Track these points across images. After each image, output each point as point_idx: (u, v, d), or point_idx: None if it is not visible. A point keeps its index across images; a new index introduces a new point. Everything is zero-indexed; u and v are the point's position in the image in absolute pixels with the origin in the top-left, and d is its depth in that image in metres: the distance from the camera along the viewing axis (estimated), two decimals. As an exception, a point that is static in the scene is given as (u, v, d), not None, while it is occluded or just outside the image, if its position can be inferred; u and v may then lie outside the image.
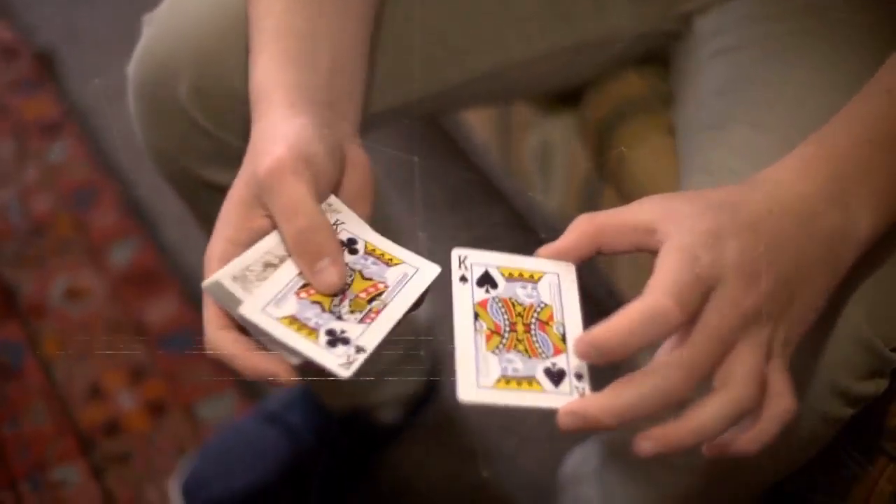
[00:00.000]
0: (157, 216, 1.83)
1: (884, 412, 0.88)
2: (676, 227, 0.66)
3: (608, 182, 1.15)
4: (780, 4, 0.98)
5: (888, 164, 0.71)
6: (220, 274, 0.69)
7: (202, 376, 1.55)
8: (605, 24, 1.07)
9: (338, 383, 1.30)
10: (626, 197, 1.08)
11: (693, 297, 0.63)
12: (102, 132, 2.01)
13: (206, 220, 1.10)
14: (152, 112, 0.99)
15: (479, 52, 1.04)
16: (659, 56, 1.14)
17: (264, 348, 0.69)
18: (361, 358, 0.68)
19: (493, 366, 0.67)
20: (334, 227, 0.73)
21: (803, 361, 0.78)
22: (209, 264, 0.71)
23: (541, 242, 0.71)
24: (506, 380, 0.67)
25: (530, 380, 0.67)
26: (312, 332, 0.68)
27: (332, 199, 0.75)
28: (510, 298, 0.70)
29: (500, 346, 0.68)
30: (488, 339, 0.68)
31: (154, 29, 0.98)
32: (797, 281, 0.67)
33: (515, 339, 0.69)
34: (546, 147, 1.28)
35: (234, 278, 0.69)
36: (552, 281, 0.71)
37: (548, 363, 0.68)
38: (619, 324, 0.63)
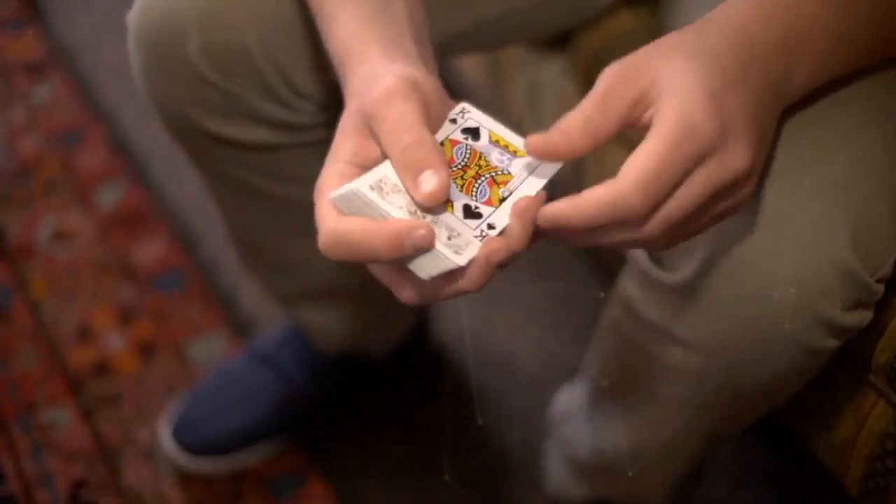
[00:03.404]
0: (144, 156, 1.82)
1: (871, 347, 0.89)
2: (670, 89, 0.67)
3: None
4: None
5: (829, 20, 0.73)
6: (356, 182, 0.67)
7: (193, 315, 1.56)
8: None
9: (328, 324, 1.31)
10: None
11: (667, 184, 0.65)
12: (88, 72, 2.00)
13: (209, 171, 1.10)
14: (156, 65, 0.97)
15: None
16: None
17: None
18: (493, 234, 0.66)
19: None
20: (461, 114, 0.72)
21: (786, 290, 0.78)
22: (327, 182, 0.69)
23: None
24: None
25: (445, 203, 0.67)
26: (448, 203, 0.68)
27: (466, 104, 0.74)
28: (481, 153, 0.70)
29: None
30: None
31: None
32: (762, 130, 0.70)
33: (459, 175, 0.69)
34: (537, 86, 1.27)
35: (371, 187, 0.67)
36: (531, 162, 0.70)
37: (472, 202, 0.68)
38: (583, 208, 0.65)
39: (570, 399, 1.21)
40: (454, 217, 0.67)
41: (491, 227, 0.67)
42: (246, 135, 1.00)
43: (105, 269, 1.64)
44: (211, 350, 1.53)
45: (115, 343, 1.53)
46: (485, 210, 0.68)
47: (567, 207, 0.65)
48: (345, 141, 0.70)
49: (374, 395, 1.46)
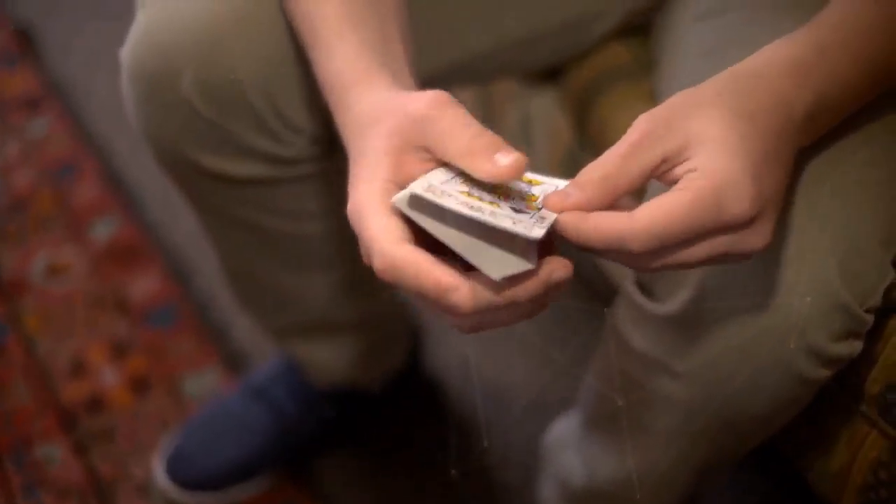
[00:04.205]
0: (138, 191, 1.82)
1: (863, 377, 0.89)
2: (709, 156, 0.66)
3: (590, 152, 1.14)
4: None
5: (857, 85, 0.74)
6: (412, 186, 0.67)
7: (186, 350, 1.56)
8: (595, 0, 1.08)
9: (322, 358, 1.31)
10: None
11: (675, 244, 0.65)
12: (82, 106, 2.01)
13: (201, 205, 1.10)
14: (150, 100, 0.97)
15: (476, 31, 1.03)
16: (641, 25, 1.14)
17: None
18: (546, 223, 0.66)
19: (462, 185, 0.68)
20: None
21: (776, 321, 0.78)
22: (370, 200, 0.68)
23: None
24: (468, 194, 0.67)
25: (493, 202, 0.67)
26: (494, 203, 0.67)
27: None
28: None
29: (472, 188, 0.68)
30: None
31: (150, 14, 0.96)
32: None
33: (492, 189, 0.69)
34: (529, 119, 1.27)
35: (426, 189, 0.67)
36: (548, 189, 0.70)
37: (516, 205, 0.68)
38: (593, 229, 0.65)
39: (564, 429, 1.20)
40: (509, 210, 0.67)
41: (542, 218, 0.67)
42: (238, 169, 1.00)
43: (99, 304, 1.64)
44: (205, 385, 1.53)
45: (109, 378, 1.53)
46: (529, 210, 0.68)
47: (585, 223, 0.66)
48: (380, 162, 0.69)
49: (368, 427, 1.45)
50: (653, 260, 0.67)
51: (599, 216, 0.65)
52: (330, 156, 1.03)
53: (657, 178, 0.68)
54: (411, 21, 0.85)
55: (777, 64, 0.71)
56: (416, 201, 0.67)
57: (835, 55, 0.73)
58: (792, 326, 0.78)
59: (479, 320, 0.67)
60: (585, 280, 1.45)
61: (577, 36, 1.11)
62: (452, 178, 0.69)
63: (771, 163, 0.67)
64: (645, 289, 0.88)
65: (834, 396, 0.91)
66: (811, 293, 0.77)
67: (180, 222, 1.68)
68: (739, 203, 0.64)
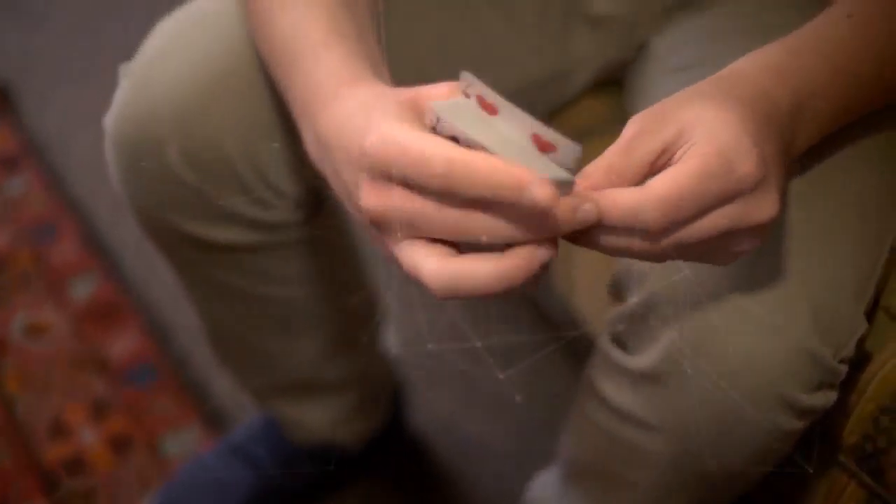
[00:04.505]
0: (117, 249, 1.82)
1: (840, 427, 0.89)
2: (708, 130, 0.66)
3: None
4: (737, 20, 1.00)
5: (836, 92, 0.74)
6: (450, 100, 0.66)
7: (166, 409, 1.55)
8: (570, 55, 1.09)
9: (304, 417, 1.31)
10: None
11: (689, 212, 0.64)
12: (61, 164, 2.01)
13: (184, 270, 1.10)
14: (135, 168, 0.97)
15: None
16: (617, 80, 1.15)
17: None
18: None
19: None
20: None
21: (749, 373, 0.79)
22: (400, 123, 0.64)
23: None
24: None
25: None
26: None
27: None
28: None
29: None
30: None
31: (134, 85, 0.96)
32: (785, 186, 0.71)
33: None
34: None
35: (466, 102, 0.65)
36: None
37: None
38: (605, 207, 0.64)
39: (545, 484, 1.20)
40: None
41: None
42: (222, 235, 1.00)
43: (78, 364, 1.63)
44: (185, 443, 1.52)
45: (89, 438, 1.52)
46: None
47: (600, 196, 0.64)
48: (400, 100, 0.68)
49: (349, 486, 1.45)
50: (665, 236, 0.65)
51: (613, 191, 0.65)
52: (313, 220, 1.04)
53: (659, 169, 0.67)
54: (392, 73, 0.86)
55: (755, 66, 0.73)
56: (455, 111, 0.65)
57: (809, 60, 0.74)
58: (766, 378, 0.79)
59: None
60: (562, 334, 1.45)
61: (551, 91, 1.12)
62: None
63: (765, 136, 0.68)
64: (620, 343, 0.88)
65: (811, 447, 0.91)
66: (785, 345, 0.78)
67: (159, 279, 1.68)
68: (745, 163, 0.65)
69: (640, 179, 0.67)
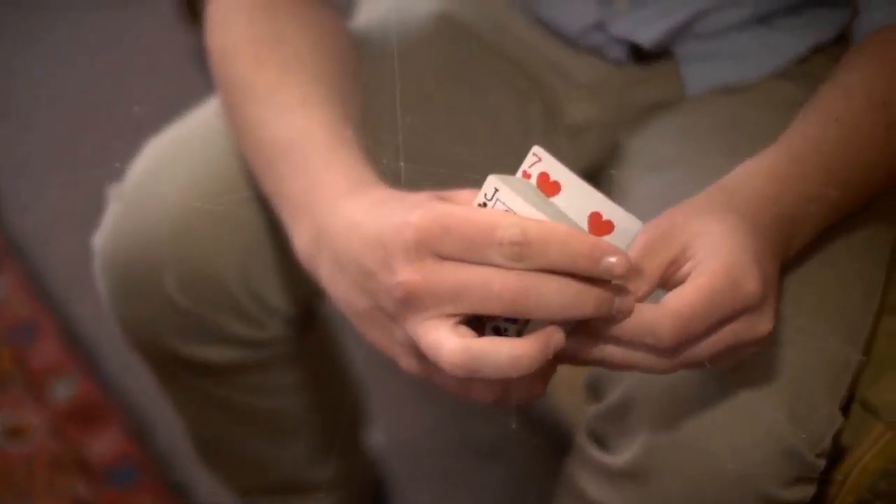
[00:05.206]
0: (97, 349, 1.82)
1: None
2: (715, 246, 0.68)
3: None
4: (710, 118, 1.02)
5: (829, 195, 0.77)
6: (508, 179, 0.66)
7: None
8: None
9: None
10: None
11: (701, 327, 0.66)
12: (41, 265, 2.01)
13: (172, 387, 1.10)
14: (127, 291, 0.98)
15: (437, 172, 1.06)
16: (592, 179, 1.16)
17: None
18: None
19: None
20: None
21: (727, 470, 0.79)
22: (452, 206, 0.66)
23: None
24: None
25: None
26: None
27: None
28: None
29: None
30: None
31: (125, 207, 0.97)
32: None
33: None
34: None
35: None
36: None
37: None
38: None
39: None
40: None
41: None
42: (214, 355, 1.00)
43: (58, 465, 1.62)
44: (167, 544, 1.51)
45: (70, 540, 1.51)
46: None
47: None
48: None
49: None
50: (675, 354, 0.67)
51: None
52: (304, 335, 1.04)
53: (667, 283, 0.69)
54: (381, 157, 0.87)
55: (759, 173, 0.76)
56: (512, 185, 0.65)
57: (807, 166, 0.77)
58: (744, 473, 0.79)
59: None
60: (542, 431, 1.46)
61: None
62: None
63: (768, 251, 0.70)
64: (598, 440, 0.89)
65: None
66: (763, 441, 0.79)
67: (140, 379, 1.67)
68: (750, 280, 0.67)
69: (651, 292, 0.69)
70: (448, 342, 0.64)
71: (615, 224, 0.66)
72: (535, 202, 0.65)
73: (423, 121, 1.00)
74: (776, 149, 0.78)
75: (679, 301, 0.66)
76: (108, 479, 1.59)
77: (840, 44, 0.98)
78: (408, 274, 0.65)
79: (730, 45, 1.01)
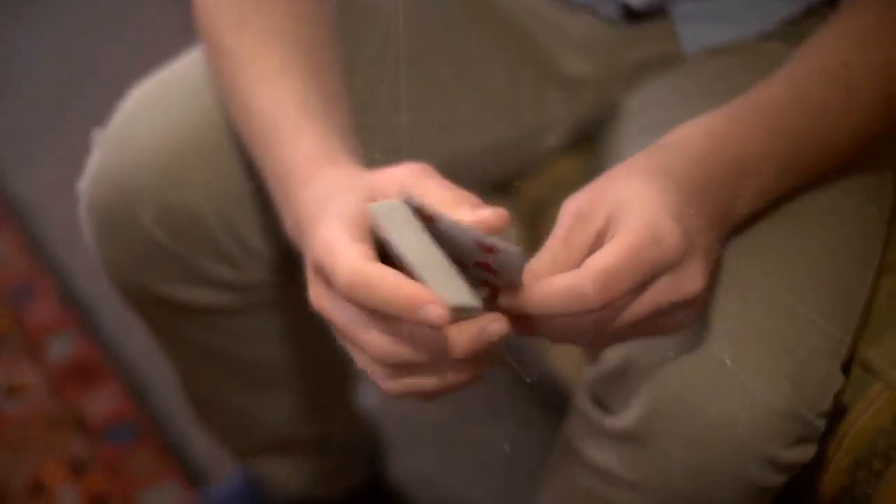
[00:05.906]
0: (94, 309, 1.82)
1: (818, 480, 0.90)
2: (633, 209, 0.69)
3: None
4: (707, 81, 1.01)
5: (776, 154, 0.78)
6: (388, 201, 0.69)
7: (145, 466, 1.54)
8: (542, 116, 1.10)
9: (283, 474, 1.31)
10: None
11: (625, 285, 0.67)
12: (38, 226, 2.01)
13: (160, 331, 1.11)
14: (110, 233, 0.98)
15: (423, 147, 1.05)
16: (591, 138, 1.16)
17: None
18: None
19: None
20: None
21: (728, 431, 0.80)
22: (339, 230, 0.69)
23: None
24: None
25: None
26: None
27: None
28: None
29: None
30: None
31: (107, 150, 0.97)
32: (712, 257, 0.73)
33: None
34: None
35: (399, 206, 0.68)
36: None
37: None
38: (541, 293, 0.67)
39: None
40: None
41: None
42: (197, 298, 1.01)
43: (56, 423, 1.63)
44: (164, 501, 1.51)
45: (67, 497, 1.52)
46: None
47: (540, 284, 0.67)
48: (352, 206, 0.71)
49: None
50: (606, 321, 0.68)
51: (552, 277, 0.68)
52: (288, 282, 1.04)
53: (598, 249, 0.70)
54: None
55: (696, 133, 0.77)
56: (390, 215, 0.68)
57: (748, 125, 0.78)
58: (744, 435, 0.79)
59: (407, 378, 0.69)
60: (539, 391, 1.46)
61: (525, 151, 1.13)
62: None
63: (692, 209, 0.71)
64: (598, 402, 0.89)
65: (788, 501, 0.92)
66: (762, 401, 0.79)
67: (136, 338, 1.67)
68: (669, 236, 0.68)
69: (580, 263, 0.69)
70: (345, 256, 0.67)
71: (498, 249, 0.66)
72: (408, 237, 0.67)
73: (414, 77, 1.00)
74: (721, 109, 0.79)
75: (600, 259, 0.67)
76: (106, 437, 1.60)
77: (835, 5, 0.98)
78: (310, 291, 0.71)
79: (724, 6, 1.01)
